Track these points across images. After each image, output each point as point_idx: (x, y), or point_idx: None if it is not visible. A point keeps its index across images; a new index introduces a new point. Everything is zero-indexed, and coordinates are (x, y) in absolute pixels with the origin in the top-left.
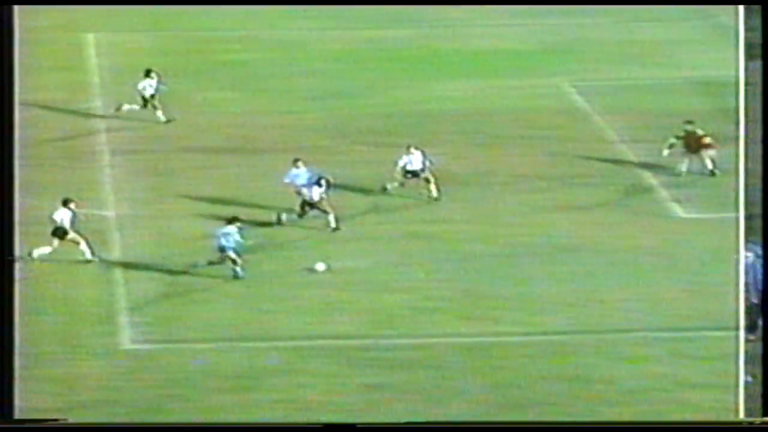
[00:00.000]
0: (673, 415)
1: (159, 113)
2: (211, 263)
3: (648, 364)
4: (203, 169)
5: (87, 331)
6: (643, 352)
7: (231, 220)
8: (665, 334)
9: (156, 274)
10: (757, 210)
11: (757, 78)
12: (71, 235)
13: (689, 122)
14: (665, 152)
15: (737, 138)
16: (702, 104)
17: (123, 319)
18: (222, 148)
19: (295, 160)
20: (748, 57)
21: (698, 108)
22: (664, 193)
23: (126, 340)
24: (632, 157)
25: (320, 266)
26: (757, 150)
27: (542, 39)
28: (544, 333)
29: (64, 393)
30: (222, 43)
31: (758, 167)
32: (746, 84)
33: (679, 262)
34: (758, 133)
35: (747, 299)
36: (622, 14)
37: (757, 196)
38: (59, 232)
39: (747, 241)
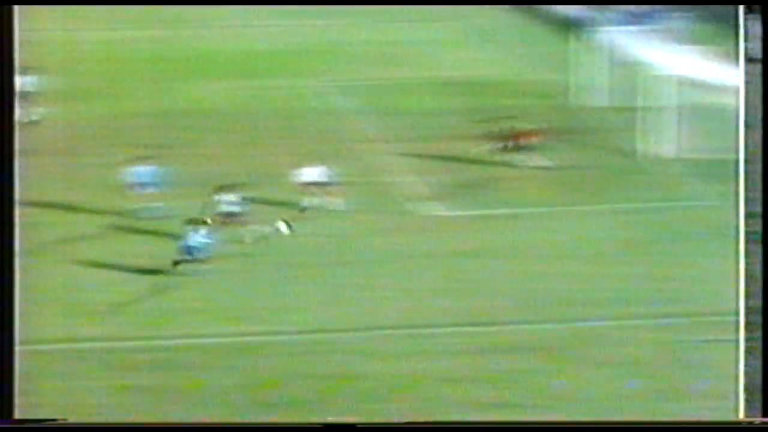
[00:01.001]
0: (431, 411)
1: None
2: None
3: (406, 359)
4: None
5: None
6: (400, 348)
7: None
8: (422, 330)
9: None
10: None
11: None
12: None
13: (511, 117)
14: (487, 147)
15: (737, 138)
16: (459, 104)
17: None
18: None
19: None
20: (747, 60)
21: (456, 107)
22: (414, 192)
23: None
24: (392, 156)
25: (282, 227)
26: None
27: (303, 40)
28: (301, 332)
29: None
30: None
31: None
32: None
33: (435, 259)
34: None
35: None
36: (381, 15)
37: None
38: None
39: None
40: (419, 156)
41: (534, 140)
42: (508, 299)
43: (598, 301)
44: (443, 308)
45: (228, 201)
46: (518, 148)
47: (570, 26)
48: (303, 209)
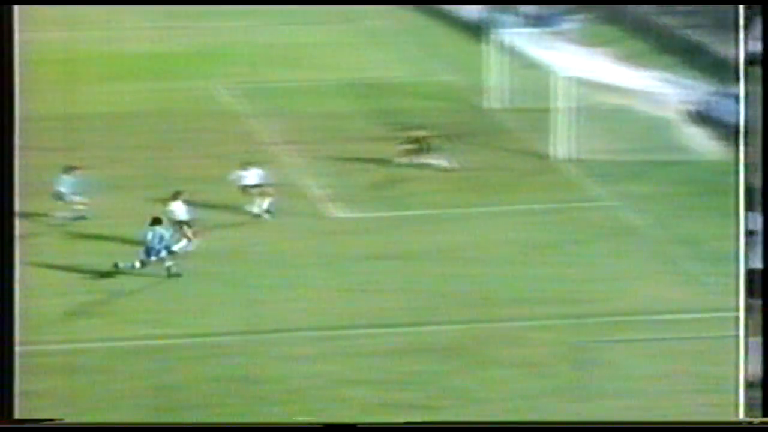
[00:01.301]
0: (333, 413)
1: None
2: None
3: (308, 362)
4: None
5: None
6: (303, 350)
7: (154, 221)
8: (323, 333)
9: None
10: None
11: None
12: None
13: (414, 120)
14: (407, 160)
15: (737, 139)
16: (354, 105)
17: None
18: None
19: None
20: (748, 63)
21: (350, 109)
22: (318, 194)
23: None
24: (286, 159)
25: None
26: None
27: (195, 42)
28: (207, 334)
29: None
30: None
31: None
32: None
33: (335, 262)
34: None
35: None
36: (273, 17)
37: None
38: None
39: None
40: (325, 158)
41: (439, 142)
42: (414, 301)
43: (501, 302)
44: (348, 311)
45: (178, 208)
46: (425, 150)
47: (471, 28)
48: (257, 215)
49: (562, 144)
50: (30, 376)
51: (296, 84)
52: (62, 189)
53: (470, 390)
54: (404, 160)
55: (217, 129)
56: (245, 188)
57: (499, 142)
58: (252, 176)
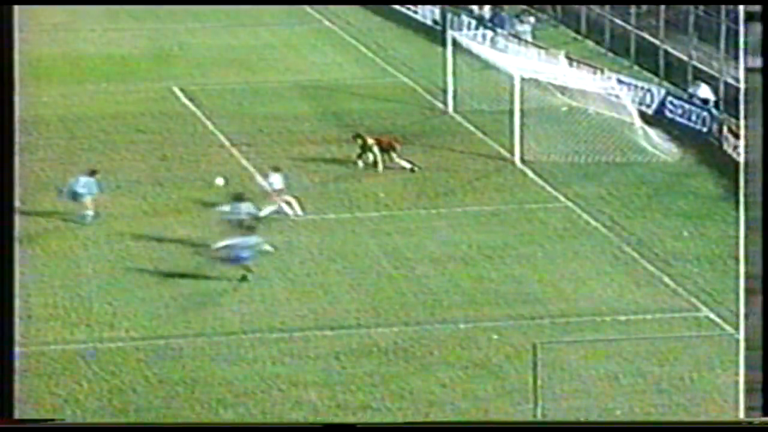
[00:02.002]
0: (287, 413)
1: None
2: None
3: (263, 364)
4: None
5: None
6: (258, 352)
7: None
8: (279, 335)
9: None
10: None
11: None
12: None
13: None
14: (359, 163)
15: (738, 142)
16: (309, 107)
17: None
18: None
19: None
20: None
21: (306, 111)
22: (281, 196)
23: None
24: (242, 160)
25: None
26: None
27: (150, 44)
28: (160, 337)
29: None
30: None
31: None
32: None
33: (292, 263)
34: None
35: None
36: (228, 18)
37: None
38: None
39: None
40: (278, 160)
41: (393, 144)
42: (365, 302)
43: (453, 303)
44: (300, 312)
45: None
46: (379, 151)
47: (427, 30)
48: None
49: (517, 145)
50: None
51: (252, 85)
52: (81, 190)
53: (423, 392)
54: (360, 161)
55: (174, 130)
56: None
57: (455, 143)
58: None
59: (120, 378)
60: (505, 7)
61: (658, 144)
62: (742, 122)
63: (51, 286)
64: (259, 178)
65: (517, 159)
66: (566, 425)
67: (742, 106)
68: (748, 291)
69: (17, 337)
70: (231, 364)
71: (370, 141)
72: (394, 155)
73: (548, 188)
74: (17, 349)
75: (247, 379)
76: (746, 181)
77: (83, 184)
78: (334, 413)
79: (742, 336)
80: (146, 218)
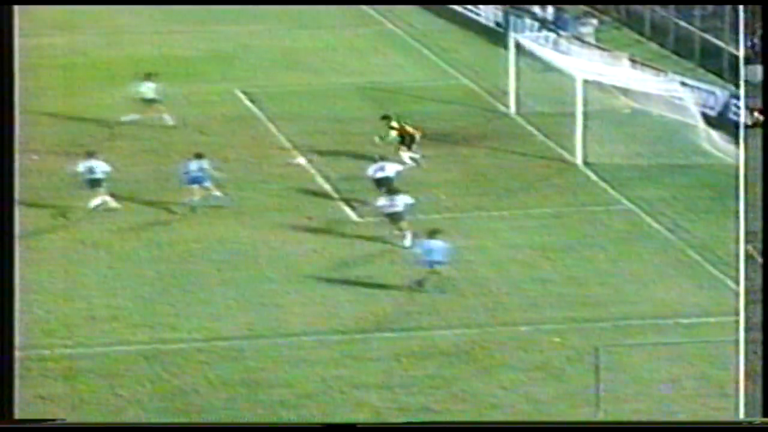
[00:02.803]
0: (348, 415)
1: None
2: None
3: (323, 366)
4: None
5: None
6: (318, 354)
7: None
8: (339, 337)
9: None
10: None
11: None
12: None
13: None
14: (377, 140)
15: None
16: (370, 109)
17: None
18: None
19: None
20: (746, 61)
21: (367, 113)
22: (338, 198)
23: None
24: (305, 162)
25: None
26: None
27: (212, 46)
28: (222, 338)
29: None
30: None
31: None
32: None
33: (353, 265)
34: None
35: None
36: (290, 21)
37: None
38: None
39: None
40: (339, 162)
41: (414, 134)
42: (424, 304)
43: (514, 306)
44: (362, 315)
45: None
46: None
47: (488, 32)
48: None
49: (579, 148)
50: (33, 381)
51: (313, 88)
52: (197, 174)
53: (481, 394)
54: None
55: (236, 133)
56: (380, 180)
57: (516, 146)
58: (391, 169)
59: (182, 379)
60: (569, 8)
61: (722, 146)
62: (742, 122)
63: (113, 287)
64: (320, 179)
65: (579, 161)
66: (566, 425)
67: (742, 105)
68: None
69: (81, 338)
70: (292, 365)
71: (396, 126)
72: (403, 148)
73: (610, 190)
74: (78, 350)
75: (308, 381)
76: None
77: (197, 168)
78: (395, 415)
79: (741, 336)
80: (207, 219)
